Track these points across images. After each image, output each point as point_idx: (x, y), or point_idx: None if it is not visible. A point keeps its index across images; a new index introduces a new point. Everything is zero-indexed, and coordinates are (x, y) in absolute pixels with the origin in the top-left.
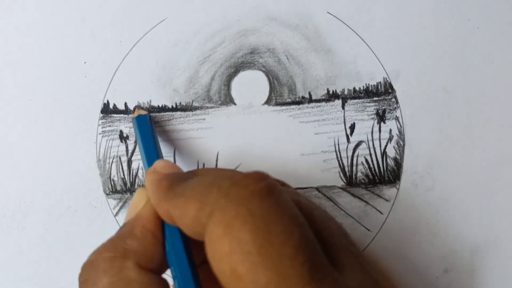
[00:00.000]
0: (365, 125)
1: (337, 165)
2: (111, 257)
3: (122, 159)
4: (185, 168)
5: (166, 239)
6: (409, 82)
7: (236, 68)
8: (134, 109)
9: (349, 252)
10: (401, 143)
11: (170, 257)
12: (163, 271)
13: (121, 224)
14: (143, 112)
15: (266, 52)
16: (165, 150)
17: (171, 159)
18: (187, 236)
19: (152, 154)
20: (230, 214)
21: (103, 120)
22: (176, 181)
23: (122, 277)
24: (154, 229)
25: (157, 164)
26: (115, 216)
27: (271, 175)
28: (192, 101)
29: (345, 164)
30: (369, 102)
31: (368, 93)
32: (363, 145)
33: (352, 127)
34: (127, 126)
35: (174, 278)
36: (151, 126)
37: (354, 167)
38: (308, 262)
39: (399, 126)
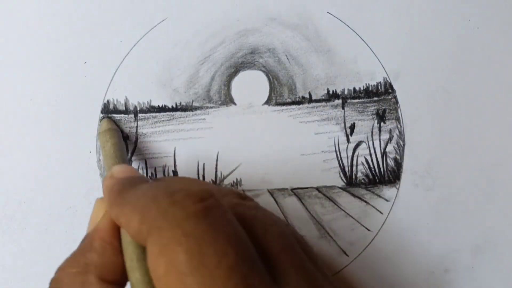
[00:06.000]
0: (365, 125)
1: (337, 165)
2: (73, 273)
3: None
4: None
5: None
6: (409, 82)
7: (236, 68)
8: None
9: (299, 271)
10: (401, 143)
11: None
12: (126, 281)
13: None
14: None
15: (266, 52)
16: (165, 150)
17: (171, 159)
18: None
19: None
20: (166, 234)
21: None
22: (127, 186)
23: None
24: (113, 240)
25: (114, 169)
26: None
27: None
28: (192, 101)
29: (345, 164)
30: (369, 102)
31: (368, 93)
32: (363, 145)
33: (352, 127)
34: (127, 126)
35: None
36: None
37: (354, 167)
38: (242, 284)
39: (399, 126)
